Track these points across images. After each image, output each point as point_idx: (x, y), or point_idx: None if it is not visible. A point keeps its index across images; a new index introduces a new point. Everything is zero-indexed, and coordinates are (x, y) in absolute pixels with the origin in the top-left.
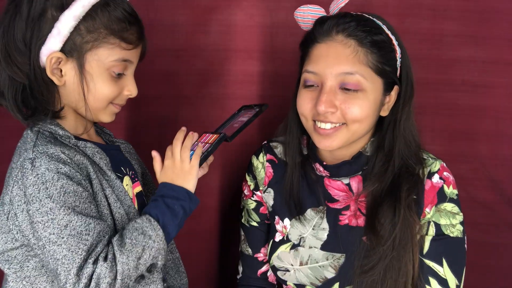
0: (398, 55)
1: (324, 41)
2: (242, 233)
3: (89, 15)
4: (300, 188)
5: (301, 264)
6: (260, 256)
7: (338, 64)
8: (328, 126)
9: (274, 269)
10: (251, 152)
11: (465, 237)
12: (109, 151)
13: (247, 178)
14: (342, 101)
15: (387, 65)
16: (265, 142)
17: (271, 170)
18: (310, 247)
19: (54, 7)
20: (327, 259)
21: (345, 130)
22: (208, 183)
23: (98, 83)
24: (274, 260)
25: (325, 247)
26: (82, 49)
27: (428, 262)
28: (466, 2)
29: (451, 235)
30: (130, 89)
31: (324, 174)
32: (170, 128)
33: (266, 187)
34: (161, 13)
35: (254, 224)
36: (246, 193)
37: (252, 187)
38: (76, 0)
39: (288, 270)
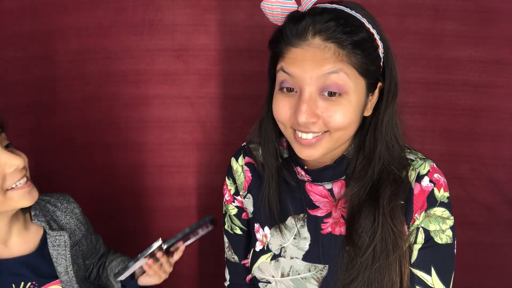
0: (381, 50)
1: (300, 45)
2: (226, 240)
3: None
4: (281, 194)
5: (282, 275)
6: (248, 262)
7: (318, 67)
8: (310, 136)
9: (256, 280)
10: (233, 152)
11: (455, 241)
12: (6, 266)
13: (227, 182)
14: (324, 109)
15: (370, 64)
16: (245, 143)
17: (250, 174)
18: (292, 258)
19: None
20: (309, 271)
21: (328, 138)
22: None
23: None
24: (255, 271)
25: (307, 257)
26: None
27: (416, 271)
28: (466, 2)
29: (440, 242)
30: (10, 164)
31: (306, 179)
32: (169, 128)
33: (246, 192)
34: (161, 13)
35: (239, 232)
36: (227, 198)
37: (232, 191)
38: None
39: (269, 282)
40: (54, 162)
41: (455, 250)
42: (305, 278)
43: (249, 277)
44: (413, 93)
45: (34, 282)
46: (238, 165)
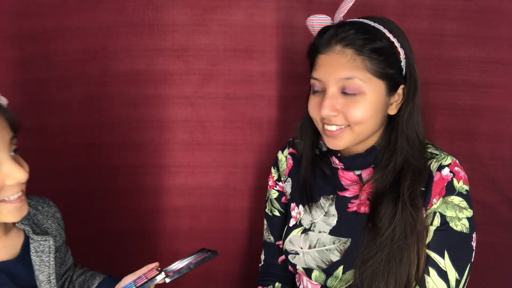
0: (402, 56)
1: (325, 52)
2: (266, 222)
3: None
4: (316, 179)
5: (309, 247)
6: (282, 243)
7: (337, 71)
8: (333, 128)
9: (286, 253)
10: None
11: (473, 235)
12: None
13: (272, 170)
14: (343, 104)
15: (389, 68)
16: (291, 139)
17: (291, 162)
18: (320, 232)
19: None
20: (334, 243)
21: (349, 131)
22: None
23: None
24: (287, 244)
25: (333, 232)
26: None
27: (429, 252)
28: (466, 2)
29: (455, 228)
30: (14, 176)
31: (339, 167)
32: (169, 128)
33: (286, 177)
34: (161, 13)
35: (277, 214)
36: (270, 184)
37: (275, 178)
38: None
39: (297, 253)
40: (53, 162)
41: (473, 243)
42: (329, 250)
43: (281, 258)
44: None
45: None
46: (283, 156)
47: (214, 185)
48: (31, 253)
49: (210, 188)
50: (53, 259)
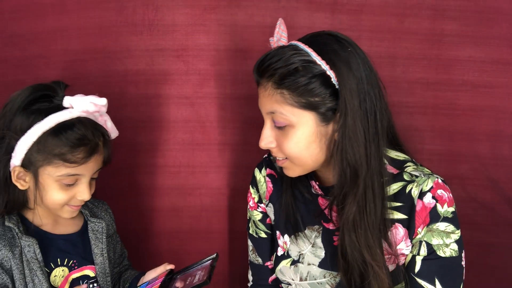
0: (333, 79)
1: (257, 83)
2: (250, 243)
3: (39, 140)
4: (298, 206)
5: (301, 279)
6: (271, 264)
7: (263, 105)
8: (280, 158)
9: (278, 280)
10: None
11: (462, 254)
12: (54, 241)
13: (251, 190)
14: (277, 137)
15: (316, 96)
16: (266, 155)
17: (271, 185)
18: (309, 264)
19: (13, 136)
20: (325, 277)
21: (291, 164)
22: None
23: (49, 192)
24: (277, 274)
25: (322, 265)
26: (36, 165)
27: (420, 281)
28: (466, 2)
29: (443, 255)
30: (82, 196)
31: (319, 193)
32: (169, 128)
33: (268, 201)
34: (161, 13)
35: (263, 235)
36: (251, 205)
37: (256, 199)
38: (31, 128)
39: (290, 284)
40: None
41: (463, 262)
42: (321, 283)
43: (272, 277)
44: (413, 93)
45: (75, 261)
46: (261, 176)
47: (214, 185)
48: (89, 231)
49: (210, 188)
50: (105, 238)
